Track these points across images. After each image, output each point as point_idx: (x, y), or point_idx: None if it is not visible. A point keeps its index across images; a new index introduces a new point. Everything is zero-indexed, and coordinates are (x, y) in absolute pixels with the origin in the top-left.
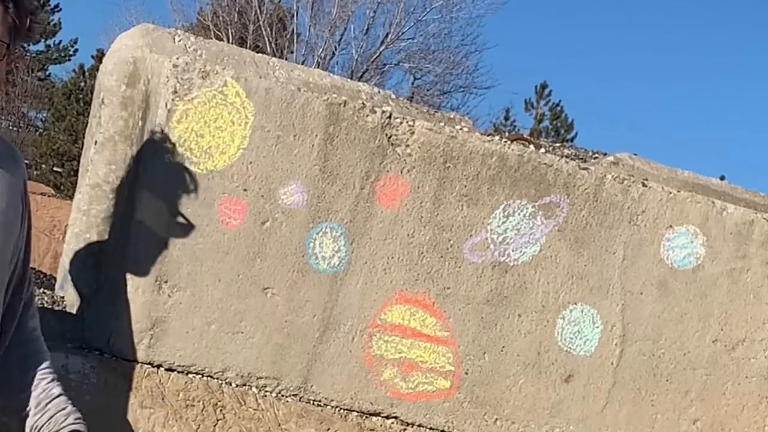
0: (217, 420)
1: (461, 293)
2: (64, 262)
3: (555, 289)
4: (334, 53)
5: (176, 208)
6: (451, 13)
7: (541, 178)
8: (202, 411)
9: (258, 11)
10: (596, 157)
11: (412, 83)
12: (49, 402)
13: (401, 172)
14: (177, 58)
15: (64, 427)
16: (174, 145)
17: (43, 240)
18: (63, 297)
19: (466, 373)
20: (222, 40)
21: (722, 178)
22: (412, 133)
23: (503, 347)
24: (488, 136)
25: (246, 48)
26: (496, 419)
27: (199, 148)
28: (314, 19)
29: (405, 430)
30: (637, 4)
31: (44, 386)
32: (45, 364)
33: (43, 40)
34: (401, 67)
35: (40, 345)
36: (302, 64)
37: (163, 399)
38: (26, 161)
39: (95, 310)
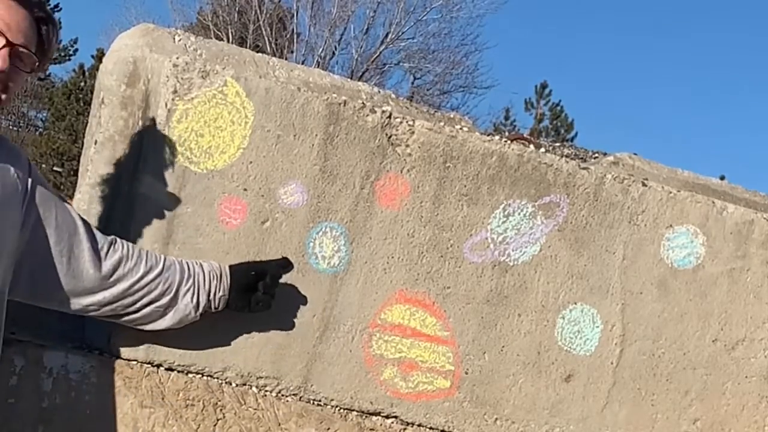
0: (217, 420)
1: (461, 293)
2: None
3: (555, 289)
4: (334, 53)
5: (176, 207)
6: (451, 13)
7: (541, 177)
8: (202, 411)
9: (258, 11)
10: (596, 157)
11: (412, 83)
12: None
13: (401, 172)
14: (177, 58)
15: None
16: (174, 144)
17: None
18: None
19: (466, 373)
20: (222, 40)
21: (722, 178)
22: (412, 132)
23: (503, 347)
24: (488, 135)
25: (246, 48)
26: (496, 419)
27: (199, 148)
28: (314, 19)
29: (405, 429)
30: (637, 4)
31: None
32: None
33: None
34: (401, 66)
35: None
36: (302, 63)
37: (163, 399)
38: None
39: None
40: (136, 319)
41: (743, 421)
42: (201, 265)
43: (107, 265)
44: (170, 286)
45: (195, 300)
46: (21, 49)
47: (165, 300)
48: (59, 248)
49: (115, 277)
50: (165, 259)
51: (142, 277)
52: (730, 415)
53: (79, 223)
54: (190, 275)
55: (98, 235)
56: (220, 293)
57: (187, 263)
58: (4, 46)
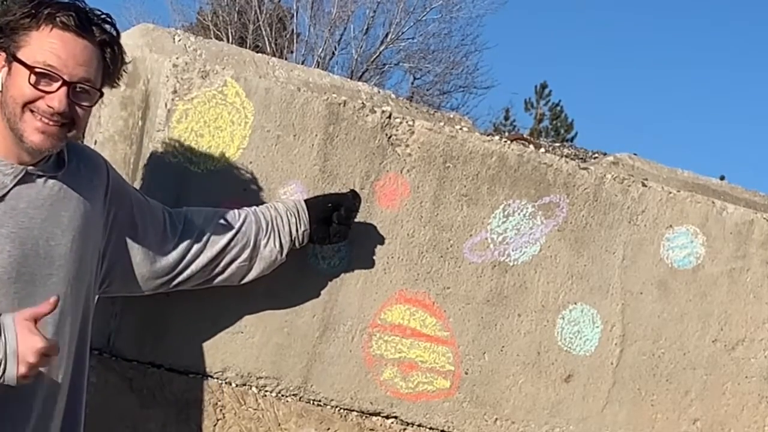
0: (217, 420)
1: (461, 293)
2: None
3: (555, 289)
4: (333, 53)
5: (176, 208)
6: (451, 13)
7: (541, 178)
8: (202, 411)
9: (258, 11)
10: (596, 157)
11: (412, 83)
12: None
13: (401, 172)
14: (177, 58)
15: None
16: (174, 145)
17: None
18: None
19: (466, 373)
20: (222, 40)
21: (722, 178)
22: (412, 132)
23: (503, 347)
24: (488, 136)
25: (246, 48)
26: (496, 419)
27: (199, 148)
28: (314, 19)
29: (405, 429)
30: (637, 4)
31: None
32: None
33: None
34: (401, 67)
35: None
36: (302, 64)
37: (163, 399)
38: None
39: (95, 310)
40: (225, 279)
41: (743, 421)
42: (276, 208)
43: (185, 246)
44: (248, 241)
45: (278, 244)
46: (80, 86)
47: (246, 254)
48: (145, 246)
49: (192, 255)
50: (239, 216)
51: (221, 248)
52: (730, 415)
53: (159, 215)
54: (268, 222)
55: (174, 217)
56: (302, 228)
57: (262, 212)
58: (61, 86)
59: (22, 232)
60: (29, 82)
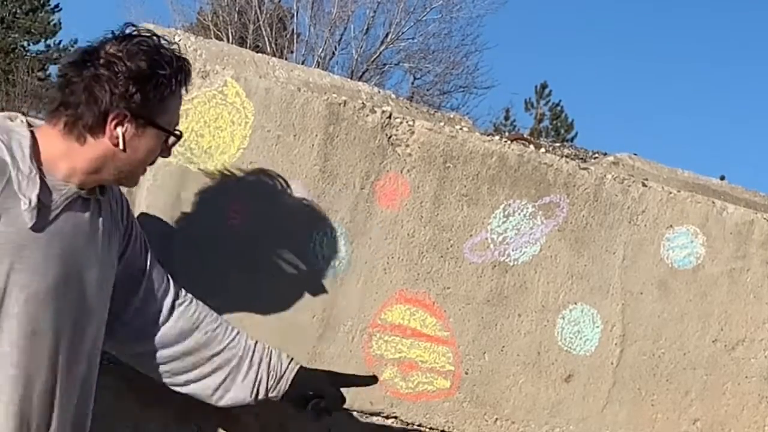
0: (218, 420)
1: (461, 293)
2: None
3: (555, 289)
4: (334, 53)
5: (176, 208)
6: (451, 13)
7: (541, 178)
8: (202, 411)
9: (258, 11)
10: (596, 157)
11: (412, 83)
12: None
13: (401, 172)
14: None
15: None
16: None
17: None
18: None
19: (466, 373)
20: (222, 40)
21: (722, 178)
22: (412, 132)
23: (503, 347)
24: (488, 136)
25: (246, 48)
26: (496, 419)
27: (199, 148)
28: (314, 19)
29: (405, 430)
30: (637, 4)
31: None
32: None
33: (43, 40)
34: (401, 67)
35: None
36: (302, 64)
37: (163, 399)
38: None
39: None
40: (191, 390)
41: (743, 421)
42: (261, 357)
43: (178, 325)
44: (222, 363)
45: (253, 386)
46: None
47: (216, 378)
48: (141, 304)
49: (180, 336)
50: (225, 336)
51: (191, 357)
52: (730, 415)
53: (165, 278)
54: (250, 365)
55: (175, 289)
56: (273, 393)
57: (249, 347)
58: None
59: (66, 254)
60: (167, 146)
